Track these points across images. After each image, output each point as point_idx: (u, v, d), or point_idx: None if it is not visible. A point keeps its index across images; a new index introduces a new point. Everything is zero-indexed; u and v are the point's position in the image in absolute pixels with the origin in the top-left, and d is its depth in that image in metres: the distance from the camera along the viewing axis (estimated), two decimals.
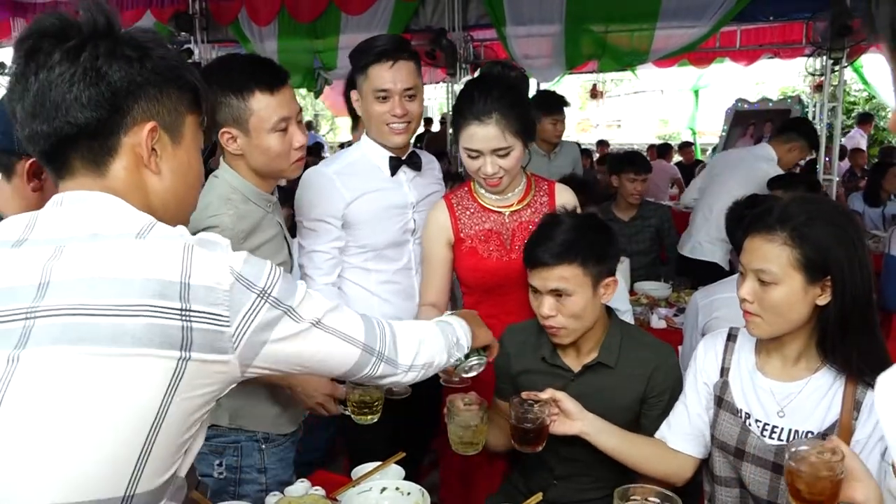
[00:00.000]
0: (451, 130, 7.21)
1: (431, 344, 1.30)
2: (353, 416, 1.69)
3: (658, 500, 1.31)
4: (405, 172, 2.11)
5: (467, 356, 1.48)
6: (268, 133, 1.64)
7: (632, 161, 3.98)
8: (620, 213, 3.96)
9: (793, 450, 1.21)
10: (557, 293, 1.63)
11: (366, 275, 2.08)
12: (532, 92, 3.86)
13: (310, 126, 13.67)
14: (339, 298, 1.96)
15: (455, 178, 4.12)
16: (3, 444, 0.80)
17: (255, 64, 1.68)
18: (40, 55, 0.92)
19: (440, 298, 2.02)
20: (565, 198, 2.02)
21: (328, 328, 1.05)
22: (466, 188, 2.03)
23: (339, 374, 1.13)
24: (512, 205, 1.98)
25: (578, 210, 1.96)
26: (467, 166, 1.91)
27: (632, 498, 1.32)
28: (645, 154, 5.71)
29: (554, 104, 4.22)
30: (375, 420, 1.69)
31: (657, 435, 1.65)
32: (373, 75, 1.97)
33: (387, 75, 1.96)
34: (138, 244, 0.90)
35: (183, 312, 0.86)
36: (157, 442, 0.85)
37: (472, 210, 1.98)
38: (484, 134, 1.81)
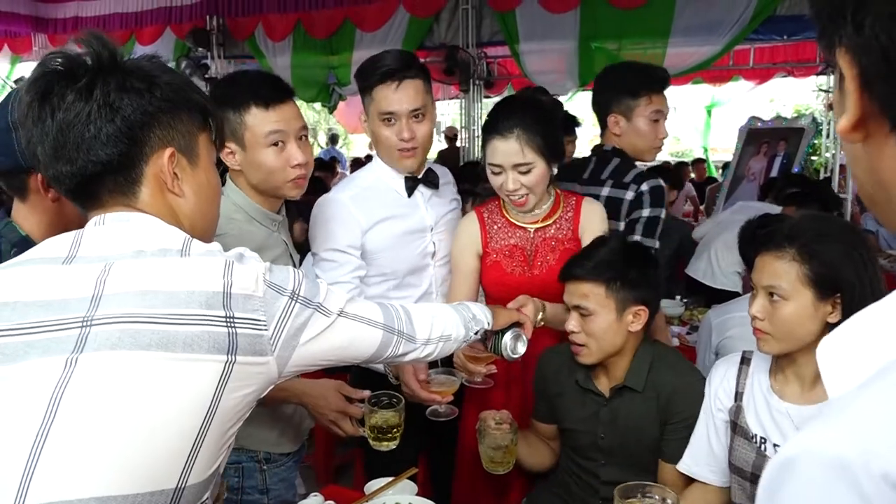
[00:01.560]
0: (462, 145, 7.24)
1: (444, 318, 1.35)
2: (370, 440, 1.65)
3: (656, 498, 1.32)
4: (422, 193, 2.04)
5: (500, 333, 1.52)
6: (263, 148, 1.60)
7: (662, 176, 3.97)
8: None
9: None
10: (581, 310, 1.65)
11: None
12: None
13: (334, 140, 13.74)
14: None
15: (465, 193, 4.14)
16: (66, 440, 0.84)
17: (258, 80, 1.65)
18: (54, 97, 0.95)
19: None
20: (590, 214, 2.00)
21: (352, 315, 1.11)
22: (497, 203, 2.03)
23: (366, 358, 1.19)
24: (538, 221, 1.98)
25: (605, 228, 1.98)
26: (492, 183, 1.93)
27: (630, 497, 1.34)
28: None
29: (568, 125, 4.20)
30: (393, 447, 1.66)
31: (680, 467, 1.64)
32: (378, 97, 1.89)
33: (392, 97, 1.87)
34: (183, 261, 0.96)
35: (228, 320, 0.92)
36: (207, 436, 0.91)
37: (499, 224, 2.00)
38: (504, 148, 1.83)
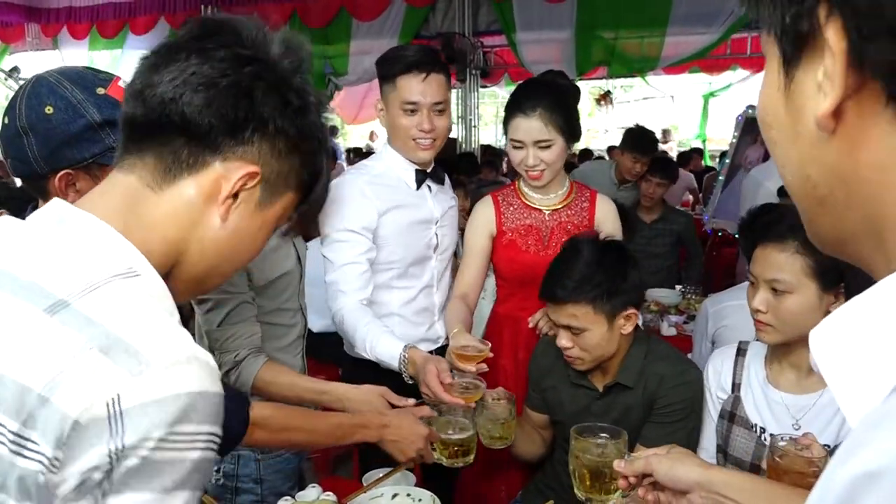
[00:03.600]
0: (458, 137, 7.22)
1: None
2: (444, 460, 1.58)
3: (606, 436, 1.35)
4: (429, 186, 2.08)
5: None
6: None
7: (662, 167, 3.98)
8: (643, 214, 3.96)
9: (775, 445, 1.25)
10: (571, 328, 1.63)
11: (389, 294, 2.01)
12: None
13: (333, 131, 13.70)
14: (367, 316, 1.85)
15: (456, 185, 4.14)
16: None
17: None
18: (210, 48, 0.80)
19: (472, 291, 2.06)
20: (605, 208, 2.11)
21: None
22: (512, 187, 2.13)
23: None
24: (554, 204, 2.07)
25: (618, 228, 2.06)
26: (512, 158, 2.04)
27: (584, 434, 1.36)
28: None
29: (645, 146, 4.14)
30: (470, 462, 1.61)
31: None
32: (402, 86, 1.91)
33: (417, 87, 1.90)
34: (39, 322, 0.66)
35: (15, 438, 0.63)
36: None
37: (515, 206, 2.08)
38: (527, 126, 1.93)
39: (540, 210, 2.07)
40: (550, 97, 1.93)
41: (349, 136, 16.01)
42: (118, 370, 0.63)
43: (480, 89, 7.12)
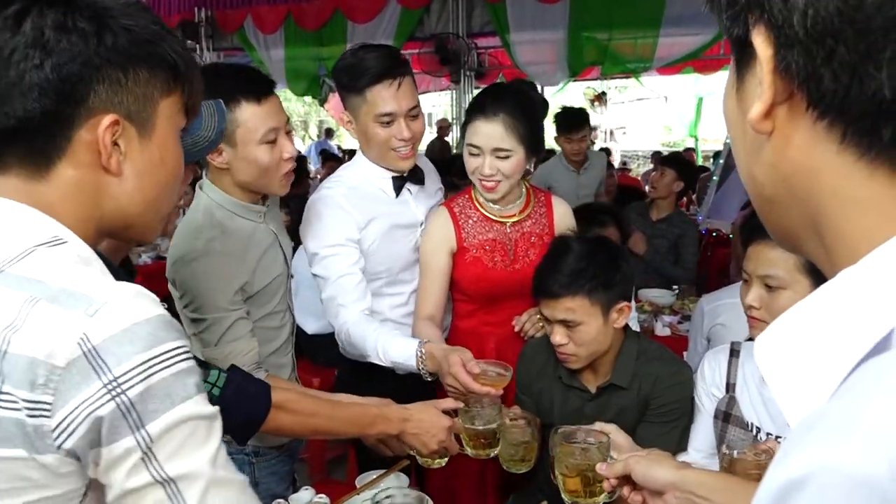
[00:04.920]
0: (450, 137, 7.23)
1: None
2: (470, 450, 1.54)
3: (591, 440, 1.34)
4: (409, 189, 1.99)
5: None
6: (256, 145, 1.54)
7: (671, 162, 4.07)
8: (652, 212, 3.99)
9: (729, 452, 1.27)
10: (566, 323, 1.61)
11: (380, 301, 1.95)
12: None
13: (329, 133, 13.73)
14: (373, 324, 1.81)
15: (450, 187, 4.16)
16: None
17: (239, 72, 1.59)
18: None
19: (438, 311, 1.93)
20: (562, 210, 2.02)
21: (180, 499, 0.70)
22: (467, 196, 1.98)
23: None
24: (514, 215, 1.95)
25: (574, 226, 1.99)
26: (467, 165, 1.88)
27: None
28: (649, 160, 5.77)
29: (572, 124, 4.35)
30: (495, 453, 1.56)
31: (683, 459, 1.62)
32: (373, 98, 1.80)
33: (391, 98, 1.79)
34: None
35: None
36: None
37: (474, 219, 1.94)
38: (487, 130, 1.80)
39: (501, 222, 1.94)
40: (515, 103, 1.80)
41: (343, 138, 16.00)
42: (74, 313, 0.66)
43: (474, 91, 7.12)
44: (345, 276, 1.83)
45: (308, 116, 22.87)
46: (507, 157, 1.81)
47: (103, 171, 0.79)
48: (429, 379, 1.69)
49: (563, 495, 1.37)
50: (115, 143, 0.79)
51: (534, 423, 1.58)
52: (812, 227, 0.48)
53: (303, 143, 18.31)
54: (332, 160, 7.90)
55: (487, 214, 1.94)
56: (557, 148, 4.88)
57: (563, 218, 2.01)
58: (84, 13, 0.74)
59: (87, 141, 0.77)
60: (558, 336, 1.62)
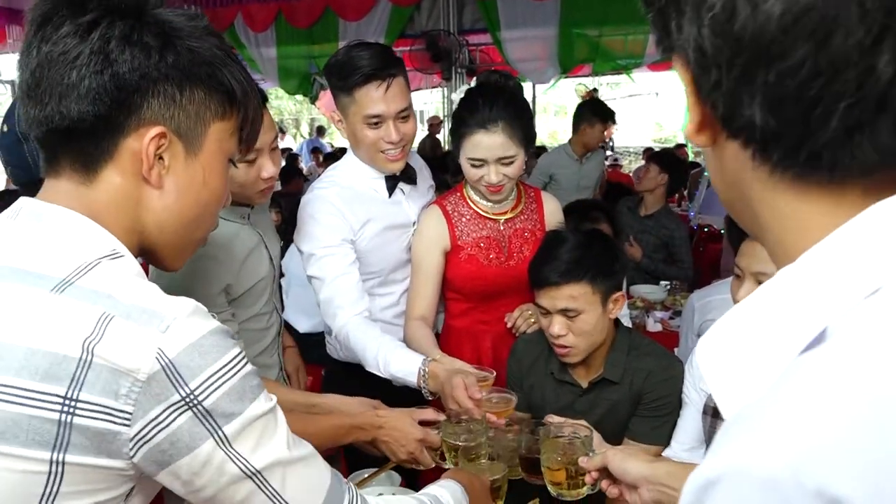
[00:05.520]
0: (441, 134, 7.22)
1: None
2: (450, 463, 1.51)
3: (574, 433, 1.38)
4: (402, 190, 1.97)
5: None
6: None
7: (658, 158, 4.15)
8: (640, 208, 4.01)
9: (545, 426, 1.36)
10: (567, 312, 1.59)
11: (371, 301, 1.92)
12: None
13: (321, 131, 13.68)
14: (374, 331, 1.78)
15: (441, 186, 4.16)
16: None
17: None
18: (49, 26, 0.77)
19: (430, 312, 1.92)
20: (552, 205, 2.03)
21: (267, 486, 0.79)
22: (459, 193, 1.96)
23: None
24: (506, 212, 1.95)
25: (563, 221, 2.00)
26: (469, 176, 1.85)
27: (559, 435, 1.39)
28: (641, 157, 5.83)
29: (609, 113, 4.74)
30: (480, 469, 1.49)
31: (666, 454, 1.63)
32: (362, 100, 1.76)
33: (379, 100, 1.75)
34: (49, 299, 0.72)
35: (66, 403, 0.68)
36: None
37: (468, 217, 1.93)
38: (490, 143, 1.77)
39: (494, 220, 1.93)
40: (510, 108, 1.77)
41: (335, 136, 15.95)
42: (148, 330, 0.71)
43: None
44: (342, 276, 1.80)
45: (300, 114, 22.80)
46: (511, 163, 1.80)
47: (144, 182, 0.82)
48: (429, 398, 1.65)
49: (548, 487, 1.39)
50: (160, 157, 0.82)
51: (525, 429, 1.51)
52: (759, 228, 0.52)
53: (294, 141, 18.26)
54: (330, 159, 7.86)
55: (480, 212, 1.94)
56: (548, 143, 4.97)
57: (553, 213, 2.02)
58: (152, 29, 0.79)
59: (134, 149, 0.81)
60: (557, 327, 1.60)
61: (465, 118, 1.82)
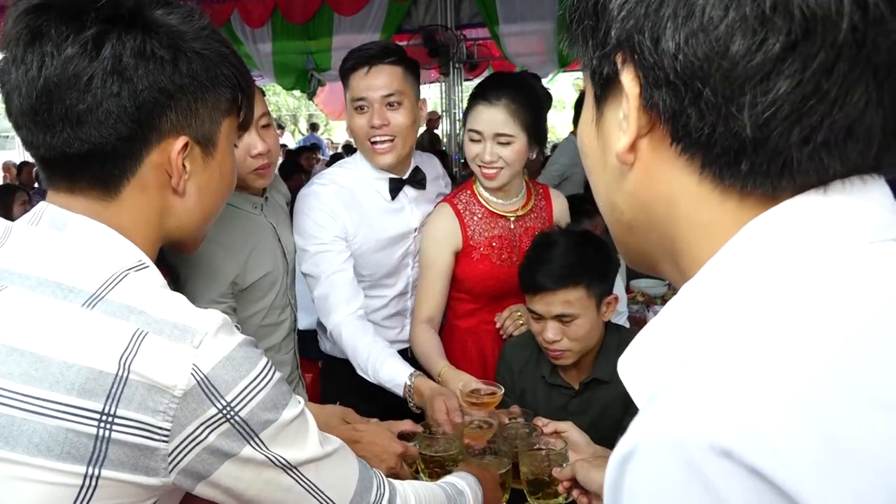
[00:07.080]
0: (442, 130, 7.20)
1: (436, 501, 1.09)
2: (425, 477, 1.47)
3: (551, 445, 1.41)
4: (407, 194, 1.91)
5: None
6: None
7: None
8: None
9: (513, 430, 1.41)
10: (562, 318, 1.57)
11: None
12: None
13: (314, 128, 13.65)
14: (368, 335, 1.76)
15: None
16: None
17: None
18: (47, 43, 0.72)
19: (438, 313, 1.88)
20: (560, 203, 2.01)
21: (304, 479, 0.83)
22: (469, 191, 1.91)
23: None
24: (517, 210, 1.91)
25: (568, 217, 1.98)
26: (467, 151, 1.83)
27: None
28: None
29: None
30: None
31: None
32: (351, 84, 1.80)
33: (362, 82, 1.77)
34: (83, 315, 0.71)
35: (103, 418, 0.68)
36: None
37: (479, 215, 1.88)
38: (489, 116, 1.75)
39: (505, 217, 1.89)
40: (518, 90, 1.77)
41: (334, 132, 15.94)
42: (182, 346, 0.71)
43: (464, 83, 7.09)
44: (336, 273, 1.78)
45: (298, 111, 22.74)
46: (508, 144, 1.76)
47: (171, 192, 0.82)
48: (416, 411, 1.64)
49: (527, 496, 1.41)
50: (183, 166, 0.81)
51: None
52: (669, 251, 0.53)
53: (293, 138, 18.23)
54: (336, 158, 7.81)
55: (492, 209, 1.90)
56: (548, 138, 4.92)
57: (561, 210, 2.00)
58: (162, 40, 0.76)
59: (156, 163, 0.79)
60: (551, 332, 1.58)
61: (474, 93, 1.84)
